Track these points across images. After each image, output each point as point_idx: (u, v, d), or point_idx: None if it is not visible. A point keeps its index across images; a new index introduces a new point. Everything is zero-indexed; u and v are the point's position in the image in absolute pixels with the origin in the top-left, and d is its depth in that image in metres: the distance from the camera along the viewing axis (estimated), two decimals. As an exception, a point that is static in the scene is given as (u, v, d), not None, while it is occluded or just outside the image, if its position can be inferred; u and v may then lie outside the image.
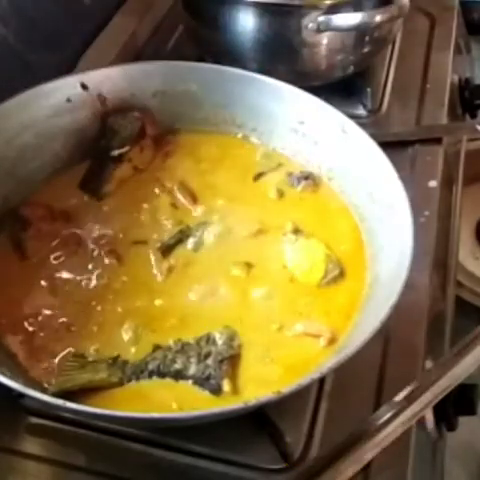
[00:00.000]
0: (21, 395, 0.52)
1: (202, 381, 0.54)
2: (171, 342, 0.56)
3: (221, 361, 0.55)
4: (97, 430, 0.57)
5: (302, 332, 0.57)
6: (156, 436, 0.56)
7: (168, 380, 0.54)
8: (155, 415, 0.50)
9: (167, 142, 0.72)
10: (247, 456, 0.56)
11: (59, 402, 0.48)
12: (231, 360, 0.55)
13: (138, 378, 0.55)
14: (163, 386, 0.54)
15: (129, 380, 0.54)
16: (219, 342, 0.56)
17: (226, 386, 0.53)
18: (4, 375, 0.48)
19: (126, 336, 0.57)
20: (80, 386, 0.53)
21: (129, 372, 0.55)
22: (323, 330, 0.57)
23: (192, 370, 0.54)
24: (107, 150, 0.68)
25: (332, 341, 0.56)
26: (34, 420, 0.58)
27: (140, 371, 0.55)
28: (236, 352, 0.56)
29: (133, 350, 0.56)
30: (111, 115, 0.69)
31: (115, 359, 0.55)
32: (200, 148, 0.72)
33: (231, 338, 0.56)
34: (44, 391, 0.52)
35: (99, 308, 0.59)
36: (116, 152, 0.68)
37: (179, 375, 0.54)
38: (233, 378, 0.54)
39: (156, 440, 0.56)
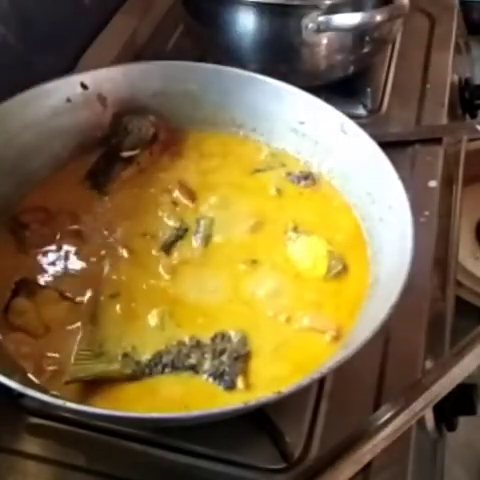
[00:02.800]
0: (21, 395, 0.52)
1: (216, 377, 0.54)
2: (186, 338, 0.56)
3: (236, 358, 0.55)
4: (97, 430, 0.56)
5: (309, 327, 0.57)
6: (156, 436, 0.56)
7: (181, 375, 0.54)
8: (155, 415, 0.50)
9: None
10: (247, 456, 0.55)
11: (59, 402, 0.48)
12: (244, 357, 0.55)
13: (151, 371, 0.54)
14: (175, 381, 0.54)
15: (142, 373, 0.54)
16: (234, 340, 0.56)
17: (240, 383, 0.53)
18: (4, 375, 0.48)
19: (134, 333, 0.57)
20: (94, 376, 0.53)
21: (143, 364, 0.55)
22: (329, 326, 0.57)
23: (206, 366, 0.54)
24: (118, 149, 0.68)
25: (337, 337, 0.56)
26: (34, 420, 0.58)
27: (154, 364, 0.55)
28: (249, 349, 0.56)
29: (146, 344, 0.56)
30: (126, 114, 0.69)
31: (129, 352, 0.55)
32: (200, 147, 0.72)
33: (245, 336, 0.56)
34: (44, 391, 0.52)
35: (97, 308, 0.59)
36: (126, 154, 0.68)
37: (193, 370, 0.54)
38: (245, 375, 0.54)
39: (156, 440, 0.56)
